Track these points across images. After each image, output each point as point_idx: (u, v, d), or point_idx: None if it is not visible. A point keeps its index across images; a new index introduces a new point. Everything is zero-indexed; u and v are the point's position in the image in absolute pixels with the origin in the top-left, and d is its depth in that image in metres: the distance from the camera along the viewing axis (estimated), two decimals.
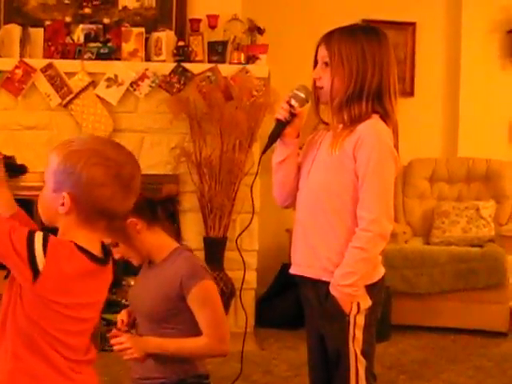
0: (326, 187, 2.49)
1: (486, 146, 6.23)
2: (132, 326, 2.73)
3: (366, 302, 2.48)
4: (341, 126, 2.51)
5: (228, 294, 4.98)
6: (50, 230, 1.86)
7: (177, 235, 2.74)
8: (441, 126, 6.40)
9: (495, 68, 6.32)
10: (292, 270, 2.62)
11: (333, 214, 2.48)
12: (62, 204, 1.84)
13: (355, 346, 2.47)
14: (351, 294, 2.44)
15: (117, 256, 2.61)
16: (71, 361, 1.88)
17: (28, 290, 1.79)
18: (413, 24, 6.28)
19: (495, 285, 5.26)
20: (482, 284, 5.27)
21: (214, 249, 5.02)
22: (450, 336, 5.23)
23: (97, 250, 1.90)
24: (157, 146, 5.14)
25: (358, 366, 2.48)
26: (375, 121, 2.48)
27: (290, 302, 5.23)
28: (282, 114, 2.55)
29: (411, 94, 6.31)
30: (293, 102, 2.55)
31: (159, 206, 2.65)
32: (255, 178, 2.79)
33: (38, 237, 1.78)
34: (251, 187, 2.74)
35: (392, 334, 5.13)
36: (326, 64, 2.52)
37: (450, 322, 5.35)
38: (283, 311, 5.37)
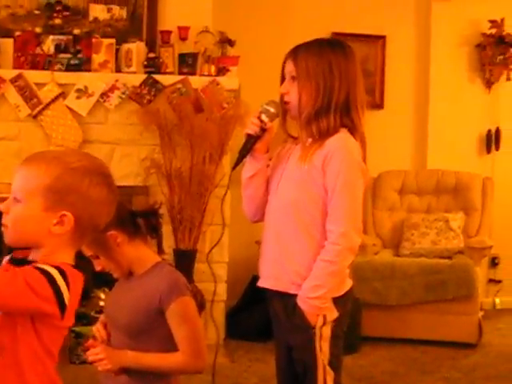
0: (295, 201, 2.51)
1: (455, 159, 6.28)
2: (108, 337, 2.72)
3: (333, 314, 2.50)
4: (310, 139, 2.53)
5: (198, 306, 4.92)
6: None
7: (158, 248, 2.73)
8: (410, 139, 6.44)
9: (464, 81, 6.39)
10: (260, 283, 2.64)
11: (301, 227, 2.50)
12: (57, 223, 1.75)
13: (322, 357, 2.48)
14: (319, 306, 2.46)
15: (98, 268, 2.59)
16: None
17: (53, 327, 1.75)
18: (383, 37, 6.32)
19: (465, 296, 5.29)
20: (452, 295, 5.30)
21: (184, 261, 5.00)
22: (420, 347, 5.25)
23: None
24: (127, 158, 5.12)
25: (326, 377, 2.50)
26: (344, 135, 2.50)
27: (259, 314, 5.22)
28: (252, 129, 2.56)
29: (381, 106, 6.35)
30: (263, 116, 2.56)
31: (141, 219, 2.64)
32: (226, 193, 2.78)
33: (55, 274, 1.70)
34: (222, 201, 2.75)
35: (362, 346, 5.15)
36: (294, 78, 2.54)
37: (420, 333, 5.37)
38: (253, 323, 5.37)
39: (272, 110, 2.57)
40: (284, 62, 2.59)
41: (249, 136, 2.57)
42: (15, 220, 1.76)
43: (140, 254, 2.64)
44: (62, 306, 1.71)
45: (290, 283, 2.50)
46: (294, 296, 2.48)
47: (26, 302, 1.65)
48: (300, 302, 2.46)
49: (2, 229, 1.80)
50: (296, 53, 2.55)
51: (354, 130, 2.52)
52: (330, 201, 2.46)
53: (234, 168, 2.59)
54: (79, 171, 1.77)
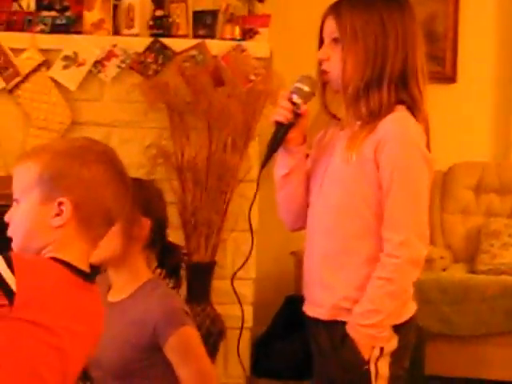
0: (343, 203, 2.52)
1: None
2: (85, 378, 2.74)
3: (392, 346, 2.50)
4: (358, 122, 2.53)
5: (216, 334, 4.99)
6: None
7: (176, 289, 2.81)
8: (490, 122, 6.42)
9: None
10: (305, 309, 2.66)
11: (352, 237, 2.51)
12: (57, 214, 1.93)
13: None
14: (374, 335, 2.47)
15: None
16: None
17: (5, 320, 1.83)
18: None
19: None
20: None
21: (199, 277, 5.03)
22: None
23: (85, 266, 1.99)
24: (127, 144, 5.15)
25: None
26: (401, 114, 2.50)
27: (295, 345, 5.24)
28: (282, 114, 2.56)
29: (453, 79, 6.33)
30: (295, 98, 2.56)
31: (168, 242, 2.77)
32: (257, 190, 2.77)
33: None
34: (252, 202, 2.74)
35: None
36: (336, 41, 2.54)
37: (501, 372, 5.37)
38: (287, 358, 5.38)
39: (306, 88, 2.57)
40: (323, 21, 2.59)
41: (279, 124, 2.57)
42: (15, 224, 1.97)
43: (140, 265, 2.70)
44: (6, 289, 1.81)
45: (337, 308, 2.52)
46: (343, 324, 2.49)
47: None
48: (351, 331, 2.48)
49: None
50: (338, 8, 2.55)
51: (414, 107, 2.52)
52: (385, 201, 2.46)
53: (263, 166, 2.59)
54: (69, 153, 1.98)
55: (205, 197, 5.05)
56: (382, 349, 2.48)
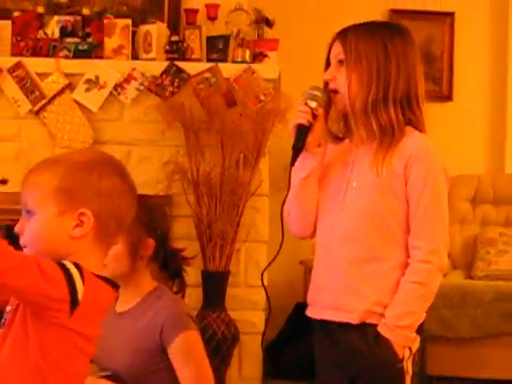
0: (372, 214, 2.50)
1: None
2: None
3: (416, 345, 2.54)
4: (375, 141, 2.53)
5: (231, 339, 4.97)
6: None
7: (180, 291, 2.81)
8: (485, 137, 6.41)
9: None
10: (322, 315, 2.61)
11: (380, 245, 2.51)
12: (77, 225, 1.87)
13: None
14: (409, 336, 2.49)
15: None
16: None
17: (58, 327, 1.81)
18: (451, 14, 6.30)
19: None
20: None
21: (214, 285, 5.02)
22: None
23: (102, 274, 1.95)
24: (146, 161, 5.15)
25: None
26: (420, 134, 2.52)
27: (304, 348, 5.20)
28: (303, 117, 2.55)
29: (449, 97, 6.33)
30: (310, 103, 2.56)
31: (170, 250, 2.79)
32: (286, 199, 2.68)
33: (69, 263, 1.82)
34: (281, 212, 2.70)
35: None
36: (341, 62, 2.54)
37: (498, 372, 5.33)
38: (296, 360, 5.35)
39: (318, 94, 2.57)
40: (330, 45, 2.59)
41: (301, 126, 2.56)
42: (32, 235, 1.88)
43: (145, 276, 2.70)
44: (73, 298, 1.79)
45: (369, 312, 2.50)
46: (373, 326, 2.49)
47: (31, 279, 1.73)
48: (385, 332, 2.47)
49: (24, 251, 1.89)
50: (345, 33, 2.57)
51: (419, 127, 2.54)
52: (415, 213, 2.48)
53: (292, 164, 2.58)
54: (86, 164, 1.92)
55: (219, 210, 5.03)
56: (410, 349, 2.50)
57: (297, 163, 2.58)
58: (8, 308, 1.92)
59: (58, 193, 1.87)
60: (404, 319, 2.46)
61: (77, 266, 1.83)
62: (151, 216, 2.73)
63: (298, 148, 2.56)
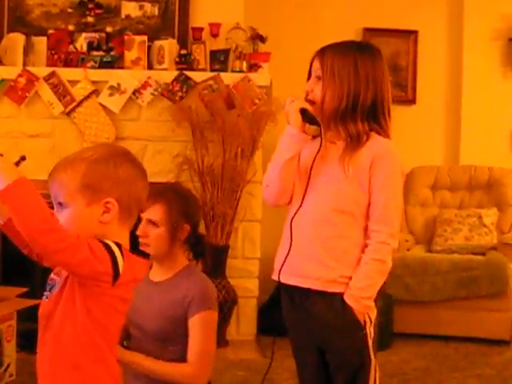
0: (339, 202, 2.48)
1: (488, 154, 6.23)
2: (124, 338, 2.75)
3: (374, 313, 2.51)
4: (342, 142, 2.50)
5: (230, 301, 4.99)
6: None
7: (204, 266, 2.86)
8: (443, 134, 6.40)
9: (497, 76, 6.33)
10: (286, 279, 2.57)
11: (344, 226, 2.48)
12: (104, 212, 1.87)
13: (373, 356, 2.49)
14: (369, 305, 2.47)
15: (140, 232, 2.70)
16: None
17: (102, 296, 1.84)
18: (415, 32, 6.28)
19: (497, 293, 5.26)
20: (485, 292, 5.27)
21: (216, 257, 5.03)
22: (453, 344, 5.24)
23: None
24: (159, 154, 5.16)
25: (375, 376, 2.51)
26: (384, 139, 2.50)
27: None
28: (303, 103, 2.51)
29: (413, 101, 6.32)
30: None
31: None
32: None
33: (111, 242, 1.84)
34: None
35: (394, 343, 5.14)
36: (319, 78, 2.52)
37: (453, 330, 5.35)
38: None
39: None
40: (312, 61, 2.57)
41: (303, 110, 2.50)
42: (67, 223, 1.84)
43: (179, 255, 2.74)
44: (116, 270, 1.82)
45: (333, 282, 2.46)
46: (338, 295, 2.45)
47: (83, 254, 1.75)
48: (352, 302, 2.44)
49: None
50: (323, 52, 2.53)
51: (382, 134, 2.51)
52: (376, 202, 2.46)
53: (318, 125, 2.50)
54: (101, 159, 1.88)
55: (220, 194, 5.04)
56: (369, 316, 2.48)
57: (284, 145, 2.54)
58: (52, 276, 1.93)
59: (83, 188, 1.85)
60: (367, 291, 2.44)
61: (117, 244, 1.84)
62: (188, 206, 2.75)
63: (316, 121, 2.50)
